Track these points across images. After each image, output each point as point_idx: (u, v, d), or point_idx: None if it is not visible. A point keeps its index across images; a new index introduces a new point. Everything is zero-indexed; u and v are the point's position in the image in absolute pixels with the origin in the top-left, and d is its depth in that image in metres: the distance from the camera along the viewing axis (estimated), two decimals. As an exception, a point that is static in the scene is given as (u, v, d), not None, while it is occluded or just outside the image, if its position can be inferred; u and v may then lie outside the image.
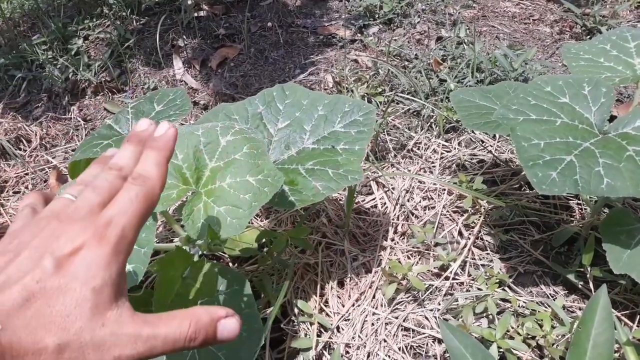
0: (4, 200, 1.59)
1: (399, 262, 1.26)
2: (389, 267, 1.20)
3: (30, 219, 0.54)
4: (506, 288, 1.21)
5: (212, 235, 0.83)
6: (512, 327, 1.08)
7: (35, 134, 1.83)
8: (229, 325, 0.53)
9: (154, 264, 0.80)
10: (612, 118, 1.33)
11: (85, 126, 1.88)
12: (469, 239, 1.32)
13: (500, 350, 1.05)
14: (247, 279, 1.02)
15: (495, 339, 1.02)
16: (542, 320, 1.07)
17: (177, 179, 0.95)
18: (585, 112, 1.10)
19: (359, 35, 2.12)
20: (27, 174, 1.69)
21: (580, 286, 1.18)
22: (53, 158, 1.75)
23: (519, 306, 1.16)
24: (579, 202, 1.40)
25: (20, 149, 1.79)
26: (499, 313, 1.13)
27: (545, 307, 1.14)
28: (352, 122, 1.15)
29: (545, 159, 1.01)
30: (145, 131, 0.60)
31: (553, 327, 1.05)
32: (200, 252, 0.92)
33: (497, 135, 1.63)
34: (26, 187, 1.65)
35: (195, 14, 2.22)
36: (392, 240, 1.35)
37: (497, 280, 1.19)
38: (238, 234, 0.91)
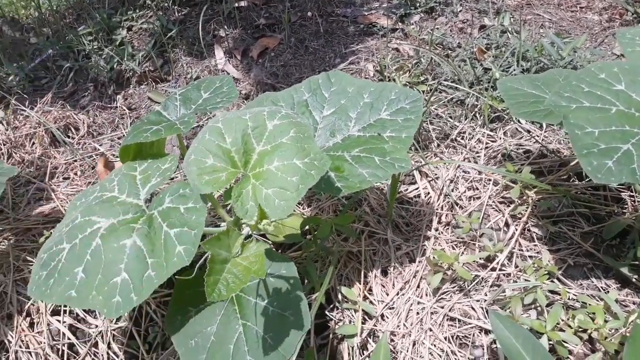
0: (55, 185, 1.64)
1: (444, 252, 1.25)
2: (435, 257, 1.18)
3: None
4: (555, 280, 1.18)
5: (262, 215, 0.83)
6: (563, 320, 1.05)
7: (83, 122, 1.88)
8: None
9: (205, 243, 0.82)
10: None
11: (130, 115, 1.92)
12: (516, 229, 1.29)
13: (550, 342, 1.03)
14: (292, 263, 1.03)
15: (545, 331, 1.00)
16: (594, 313, 1.03)
17: (226, 162, 0.96)
18: (644, 99, 1.06)
19: (400, 24, 2.09)
20: (75, 161, 1.74)
21: (634, 280, 1.14)
22: (100, 145, 1.80)
23: (568, 299, 1.13)
24: (631, 193, 1.35)
25: (69, 137, 1.84)
26: (547, 305, 1.10)
27: (597, 300, 1.11)
28: (398, 109, 1.14)
29: (600, 148, 0.98)
30: None
31: (606, 321, 1.02)
32: (250, 233, 0.93)
33: (545, 125, 1.59)
34: (75, 174, 1.70)
35: (236, 4, 2.23)
36: (436, 230, 1.33)
37: (546, 272, 1.16)
38: (285, 217, 0.91)
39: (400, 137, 1.10)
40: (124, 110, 1.94)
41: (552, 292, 1.14)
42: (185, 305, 1.04)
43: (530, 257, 1.24)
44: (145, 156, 1.15)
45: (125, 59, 2.06)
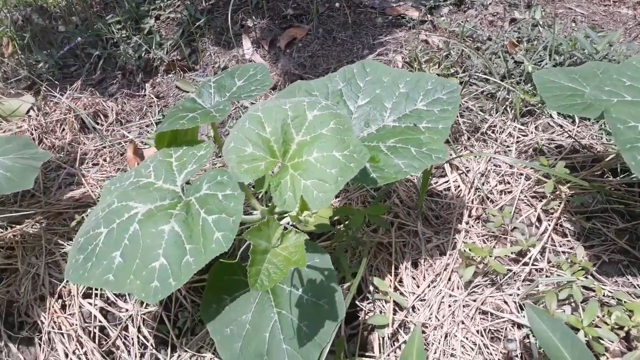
0: (85, 171, 1.66)
1: (476, 245, 1.24)
2: (467, 250, 1.18)
3: None
4: (589, 276, 1.16)
5: (304, 207, 0.83)
6: (598, 316, 1.04)
7: (112, 110, 1.90)
8: None
9: (246, 233, 0.82)
10: None
11: (158, 103, 1.93)
12: (549, 225, 1.27)
13: (586, 338, 1.01)
14: (327, 253, 1.03)
15: (582, 326, 0.99)
16: (632, 310, 1.02)
17: (265, 151, 0.96)
18: (689, 94, 1.04)
19: (429, 16, 2.07)
20: (104, 147, 1.76)
21: (671, 278, 1.12)
22: (128, 133, 1.82)
23: (603, 295, 1.12)
24: (668, 191, 1.33)
25: (97, 123, 1.86)
26: (582, 301, 1.09)
27: (634, 298, 1.09)
28: (435, 100, 1.13)
29: (644, 142, 0.96)
30: None
31: (644, 318, 1.00)
32: (289, 223, 0.93)
33: (577, 120, 1.57)
34: (104, 160, 1.72)
35: (263, -6, 2.23)
36: (467, 223, 1.32)
37: (580, 268, 1.15)
38: (323, 208, 0.91)
39: (437, 128, 1.09)
40: (152, 98, 1.95)
41: (585, 288, 1.13)
42: (220, 293, 1.05)
43: (563, 252, 1.23)
44: (180, 143, 1.16)
45: (153, 47, 2.07)
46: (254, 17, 2.15)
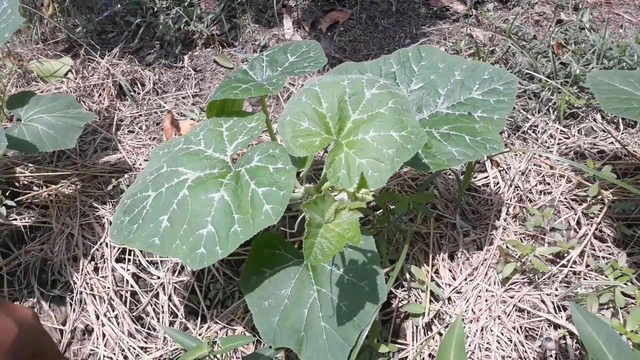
0: (121, 137, 1.67)
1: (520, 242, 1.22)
2: (509, 246, 1.16)
3: None
4: (629, 284, 1.15)
5: (362, 184, 0.82)
6: (639, 324, 1.03)
7: (149, 79, 1.89)
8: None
9: (304, 206, 0.81)
10: None
11: (195, 76, 1.92)
12: (589, 228, 1.26)
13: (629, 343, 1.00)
14: (372, 236, 1.02)
15: (625, 331, 0.97)
16: (675, 320, 1.00)
17: (321, 127, 0.95)
18: None
19: (474, 10, 2.04)
20: (140, 115, 1.76)
21: None
22: (165, 103, 1.81)
23: (643, 303, 1.10)
24: None
25: (134, 91, 1.86)
26: (622, 307, 1.07)
27: (675, 309, 1.07)
28: (491, 90, 1.11)
29: None
30: None
31: (687, 330, 0.99)
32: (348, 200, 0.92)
33: (622, 126, 1.54)
34: (140, 128, 1.72)
35: (307, -24, 2.20)
36: (505, 220, 1.31)
37: (621, 274, 1.13)
38: (378, 188, 0.90)
39: (492, 118, 1.07)
40: (190, 71, 1.94)
41: (624, 294, 1.11)
42: (260, 265, 1.04)
43: (603, 257, 1.21)
44: (228, 113, 1.15)
45: (193, 20, 2.06)
46: (296, -2, 2.13)
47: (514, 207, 1.35)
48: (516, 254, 1.17)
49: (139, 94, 1.85)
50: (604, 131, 1.54)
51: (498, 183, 1.41)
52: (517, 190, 1.38)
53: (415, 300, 1.13)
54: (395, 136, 0.91)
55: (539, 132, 1.55)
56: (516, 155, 1.46)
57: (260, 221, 0.91)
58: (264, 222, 0.90)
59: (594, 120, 1.57)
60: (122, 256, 1.33)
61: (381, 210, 1.25)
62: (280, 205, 0.91)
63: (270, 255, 1.04)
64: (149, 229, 0.96)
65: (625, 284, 1.14)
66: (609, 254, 1.22)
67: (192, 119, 1.71)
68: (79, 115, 1.36)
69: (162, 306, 1.25)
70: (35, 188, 1.49)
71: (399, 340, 1.10)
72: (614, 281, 1.09)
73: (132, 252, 1.33)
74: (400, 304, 1.14)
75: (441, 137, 1.05)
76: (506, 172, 1.42)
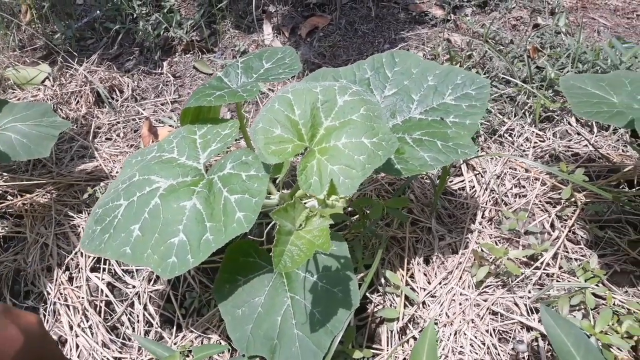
0: (98, 144, 1.65)
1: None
2: (483, 249, 1.17)
3: None
4: (600, 285, 1.16)
5: (332, 191, 0.83)
6: (608, 324, 1.04)
7: (127, 85, 1.88)
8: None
9: (274, 213, 0.81)
10: None
11: (175, 82, 1.92)
12: (562, 231, 1.27)
13: (597, 344, 1.01)
14: (345, 241, 1.03)
15: (594, 332, 0.99)
16: (644, 320, 1.02)
17: (293, 134, 0.95)
18: None
19: (452, 15, 2.06)
20: (118, 122, 1.75)
21: (684, 292, 1.12)
22: (143, 110, 1.80)
23: (614, 304, 1.11)
24: (683, 206, 1.32)
25: (113, 98, 1.85)
26: (593, 308, 1.09)
27: (645, 309, 1.09)
28: (463, 95, 1.12)
29: (672, 153, 0.96)
30: None
31: (656, 330, 1.00)
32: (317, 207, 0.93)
33: (595, 130, 1.56)
34: (117, 135, 1.71)
35: (286, -19, 2.21)
36: (480, 224, 1.32)
37: (592, 276, 1.15)
38: (349, 195, 0.91)
39: (464, 123, 1.08)
40: (169, 77, 1.94)
41: (596, 296, 1.13)
42: (234, 273, 1.04)
43: (576, 259, 1.23)
44: (203, 120, 1.15)
45: (173, 26, 2.06)
46: (276, 3, 2.13)
47: (490, 211, 1.36)
48: (490, 257, 1.18)
49: (117, 100, 1.84)
50: (578, 134, 1.56)
51: (474, 187, 1.42)
52: (493, 193, 1.39)
53: (390, 305, 1.14)
54: (367, 143, 0.92)
55: (515, 135, 1.57)
56: (492, 158, 1.48)
57: (232, 229, 0.91)
58: (236, 230, 0.90)
59: (569, 123, 1.59)
60: (97, 265, 1.32)
61: (357, 216, 1.25)
62: (252, 213, 0.91)
63: (244, 263, 1.04)
64: (121, 238, 0.96)
65: (597, 285, 1.16)
66: (582, 256, 1.24)
67: (170, 125, 1.70)
68: (54, 123, 1.35)
69: (137, 315, 1.24)
70: (9, 197, 1.47)
71: (374, 346, 1.10)
72: (585, 283, 1.11)
73: (107, 262, 1.32)
74: (375, 309, 1.14)
75: (414, 143, 1.05)
76: (482, 176, 1.44)
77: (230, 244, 1.08)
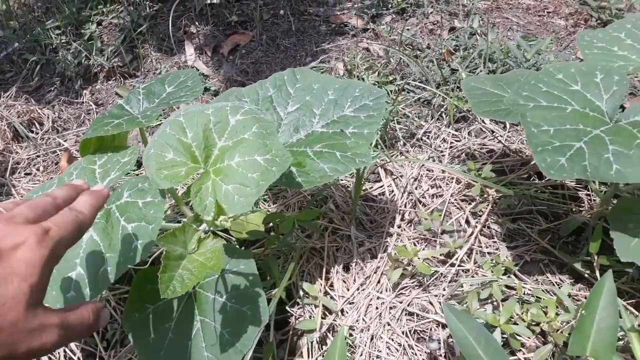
0: (16, 181, 1.61)
1: (405, 248, 1.26)
2: (395, 252, 1.20)
3: None
4: (512, 276, 1.20)
5: (220, 211, 0.83)
6: (517, 314, 1.08)
7: (48, 117, 1.85)
8: (105, 314, 0.67)
9: (159, 240, 0.81)
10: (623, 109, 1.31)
11: (97, 110, 1.89)
12: (476, 227, 1.31)
13: (504, 335, 1.05)
14: (252, 259, 1.03)
15: (499, 324, 1.02)
16: (547, 307, 1.06)
17: (186, 157, 0.96)
18: (597, 100, 1.09)
19: (371, 24, 2.11)
20: (38, 156, 1.72)
21: (586, 275, 1.17)
22: (65, 141, 1.77)
23: (524, 293, 1.16)
24: (588, 192, 1.39)
25: (32, 132, 1.81)
26: (503, 300, 1.13)
27: (551, 295, 1.14)
28: (362, 106, 1.15)
29: (554, 145, 1.01)
30: (80, 186, 0.74)
31: (558, 314, 1.05)
32: (207, 229, 0.93)
33: (508, 125, 1.63)
34: (37, 169, 1.67)
35: (208, 1, 2.22)
36: (399, 227, 1.35)
37: (503, 268, 1.19)
38: (245, 213, 0.91)
39: (362, 133, 1.11)
40: (91, 105, 1.91)
41: (508, 287, 1.17)
42: (143, 301, 1.03)
43: (489, 253, 1.27)
44: (107, 150, 1.14)
45: (93, 54, 2.04)
46: (197, 23, 2.14)
47: (409, 213, 1.39)
48: (405, 259, 1.21)
49: (37, 134, 1.81)
50: (492, 132, 1.62)
51: (393, 191, 1.46)
52: (411, 195, 1.43)
53: (310, 317, 1.15)
54: (260, 160, 0.93)
55: (432, 137, 1.62)
56: (409, 162, 1.52)
57: (129, 258, 0.90)
58: (134, 259, 0.90)
59: (483, 121, 1.65)
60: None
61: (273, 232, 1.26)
62: (149, 239, 0.91)
63: (152, 290, 1.03)
64: (19, 277, 0.93)
65: (509, 276, 1.20)
66: (496, 249, 1.28)
67: (92, 154, 1.67)
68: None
69: (58, 352, 1.21)
70: None
71: (295, 358, 1.11)
72: (492, 276, 1.15)
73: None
74: (295, 322, 1.15)
75: (314, 155, 1.07)
76: (400, 180, 1.47)
77: (138, 272, 1.08)
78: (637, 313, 1.10)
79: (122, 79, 1.99)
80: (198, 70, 1.97)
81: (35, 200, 0.63)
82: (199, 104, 1.07)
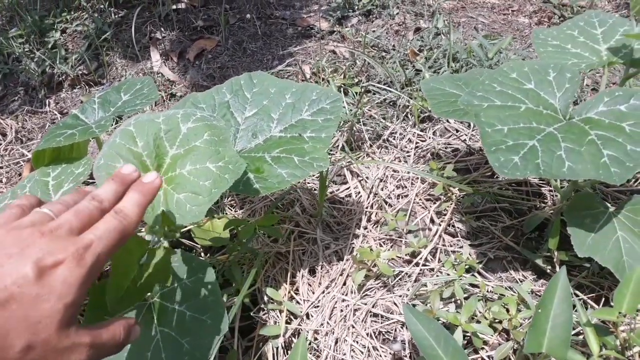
0: (-23, 193, 1.58)
1: (370, 249, 1.27)
2: (359, 254, 1.20)
3: (13, 220, 0.57)
4: (475, 274, 1.21)
5: (168, 222, 0.82)
6: (479, 312, 1.09)
7: (11, 128, 1.82)
8: (137, 330, 0.65)
9: (108, 251, 0.80)
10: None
11: (62, 119, 1.86)
12: (440, 225, 1.32)
13: (467, 334, 1.06)
14: (210, 267, 1.02)
15: (460, 323, 1.03)
16: (508, 304, 1.07)
17: (137, 166, 0.94)
18: (550, 98, 1.11)
19: (338, 26, 2.12)
20: (1, 167, 1.68)
21: (548, 271, 1.19)
22: (29, 151, 1.74)
23: (487, 291, 1.17)
24: (550, 189, 1.41)
25: (-5, 143, 1.78)
26: (466, 298, 1.13)
27: (513, 292, 1.15)
28: (319, 110, 1.15)
29: (508, 144, 1.02)
30: (129, 175, 0.69)
31: (519, 311, 1.06)
32: (158, 240, 0.92)
33: (472, 124, 1.64)
34: (0, 181, 1.64)
35: (174, 6, 2.20)
36: (365, 228, 1.35)
37: (467, 266, 1.20)
38: (198, 221, 0.91)
39: (320, 137, 1.11)
40: (55, 114, 1.88)
41: (472, 285, 1.18)
42: (101, 313, 1.02)
43: (453, 252, 1.28)
44: (64, 161, 1.12)
45: (57, 62, 2.01)
46: (162, 29, 2.12)
47: (375, 214, 1.40)
48: (368, 261, 1.21)
49: (0, 145, 1.77)
50: (457, 130, 1.63)
51: (359, 192, 1.46)
52: (377, 197, 1.43)
53: (275, 322, 1.15)
54: (212, 167, 0.92)
55: (398, 138, 1.63)
56: (375, 163, 1.52)
57: (83, 270, 0.88)
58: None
59: (447, 121, 1.66)
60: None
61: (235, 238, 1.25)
62: (103, 251, 0.89)
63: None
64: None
65: (472, 274, 1.21)
66: (460, 248, 1.29)
67: (55, 165, 1.65)
68: None
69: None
70: None
71: (260, 365, 1.10)
72: (454, 274, 1.16)
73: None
74: (260, 328, 1.14)
75: (272, 161, 1.07)
76: (366, 181, 1.47)
77: (93, 285, 1.06)
78: (596, 307, 1.11)
79: (87, 87, 1.96)
80: (164, 76, 1.95)
81: (82, 206, 0.61)
82: (150, 112, 1.06)
